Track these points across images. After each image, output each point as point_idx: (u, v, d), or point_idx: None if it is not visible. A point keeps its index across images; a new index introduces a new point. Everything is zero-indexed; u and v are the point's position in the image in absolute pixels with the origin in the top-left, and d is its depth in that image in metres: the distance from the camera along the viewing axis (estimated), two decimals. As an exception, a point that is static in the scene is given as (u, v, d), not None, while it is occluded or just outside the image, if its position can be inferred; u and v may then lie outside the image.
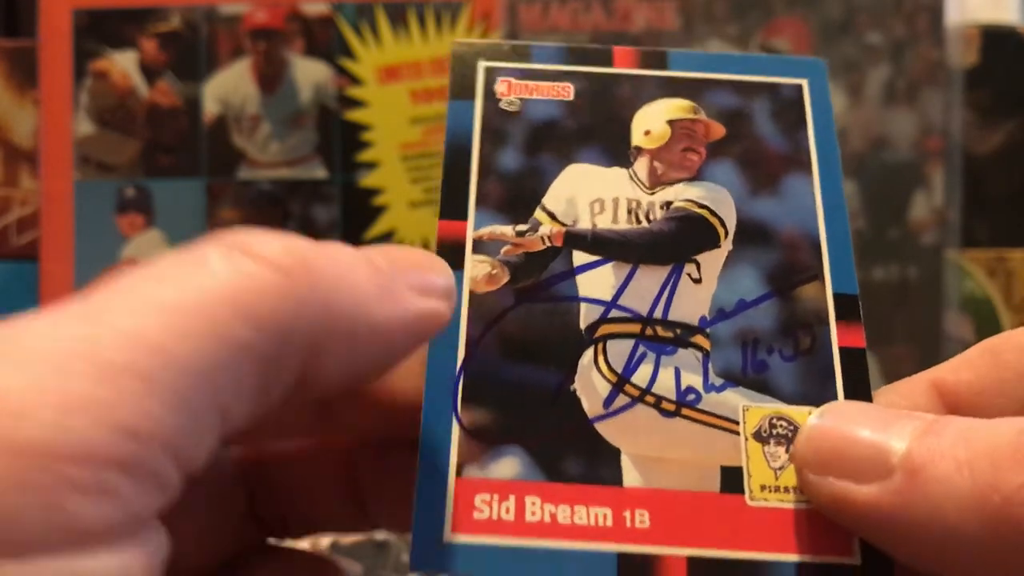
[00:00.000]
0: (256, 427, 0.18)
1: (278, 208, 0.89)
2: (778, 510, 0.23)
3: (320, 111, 0.89)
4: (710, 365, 0.24)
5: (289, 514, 0.24)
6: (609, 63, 0.28)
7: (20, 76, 0.90)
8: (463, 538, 0.21)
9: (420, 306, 0.20)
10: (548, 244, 0.26)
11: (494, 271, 0.25)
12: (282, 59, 0.90)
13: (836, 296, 0.25)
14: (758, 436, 0.24)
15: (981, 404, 0.23)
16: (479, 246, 0.26)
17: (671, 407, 0.24)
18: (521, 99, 0.28)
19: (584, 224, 0.26)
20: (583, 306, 0.25)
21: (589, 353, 0.25)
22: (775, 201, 0.26)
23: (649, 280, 0.25)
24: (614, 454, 0.23)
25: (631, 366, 0.24)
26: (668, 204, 0.26)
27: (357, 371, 0.19)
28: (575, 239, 0.26)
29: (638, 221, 0.26)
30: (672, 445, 0.24)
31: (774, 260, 0.26)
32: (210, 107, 0.89)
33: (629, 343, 0.25)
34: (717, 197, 0.26)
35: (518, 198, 0.26)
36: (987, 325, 0.91)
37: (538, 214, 0.26)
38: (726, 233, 0.26)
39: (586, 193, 0.26)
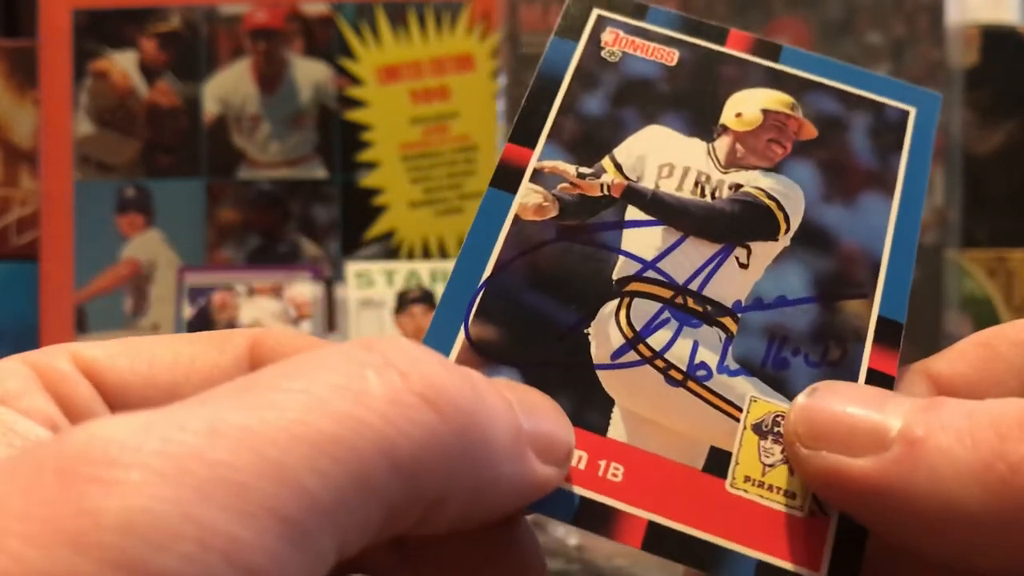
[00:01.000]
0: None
1: (278, 208, 0.89)
2: (755, 504, 0.22)
3: (320, 111, 0.89)
4: (730, 348, 0.24)
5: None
6: (722, 42, 0.28)
7: (20, 76, 0.90)
8: None
9: (540, 473, 0.19)
10: (606, 192, 0.26)
11: (545, 203, 0.25)
12: (282, 59, 0.90)
13: (880, 319, 0.25)
14: (757, 429, 0.23)
15: (975, 396, 0.23)
16: (538, 176, 0.26)
17: (678, 376, 0.24)
18: (624, 52, 0.28)
19: (647, 183, 0.26)
20: (621, 259, 0.25)
21: (612, 304, 0.24)
22: (846, 213, 0.26)
23: (695, 252, 0.25)
24: (607, 403, 0.23)
25: (650, 327, 0.24)
26: (738, 186, 0.26)
27: (460, 522, 0.19)
28: (634, 195, 0.26)
29: (703, 195, 0.26)
30: (668, 412, 0.23)
31: (827, 268, 0.25)
32: (210, 107, 0.89)
33: (655, 306, 0.24)
34: (788, 193, 0.26)
35: (590, 142, 0.26)
36: (987, 325, 0.91)
37: (605, 162, 0.26)
38: (787, 229, 0.26)
39: (659, 155, 0.26)
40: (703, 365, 0.24)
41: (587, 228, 0.25)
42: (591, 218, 0.25)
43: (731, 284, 0.25)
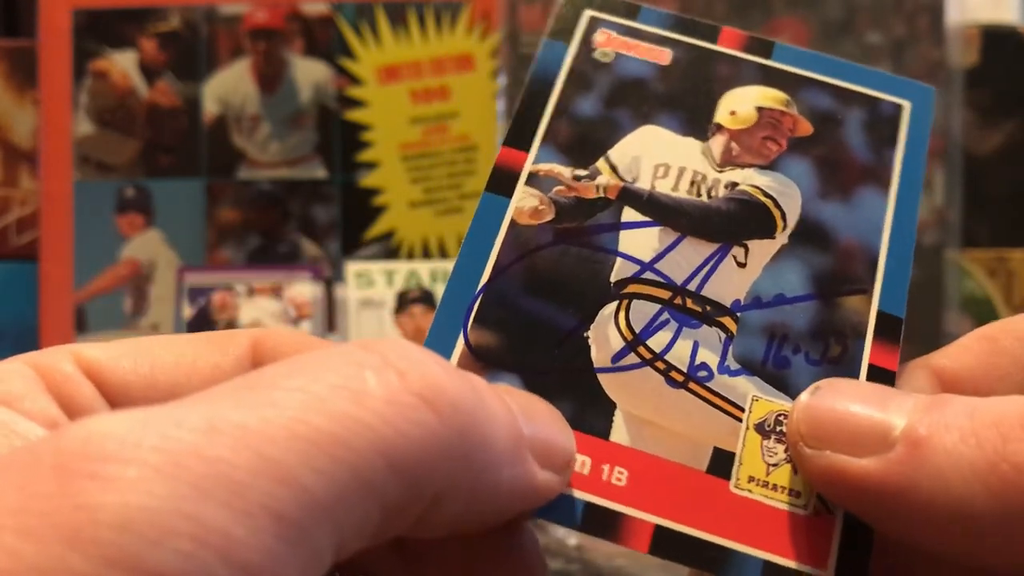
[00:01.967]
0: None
1: (278, 208, 0.89)
2: (760, 504, 0.22)
3: (320, 111, 0.89)
4: (731, 348, 0.24)
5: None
6: (714, 40, 0.28)
7: (20, 76, 0.90)
8: None
9: (540, 479, 0.19)
10: (601, 194, 0.26)
11: (541, 206, 0.25)
12: (282, 59, 0.90)
13: (880, 314, 0.25)
14: (760, 428, 0.23)
15: (980, 391, 0.22)
16: (533, 179, 0.26)
17: (679, 378, 0.24)
18: (616, 53, 0.28)
19: (643, 184, 0.26)
20: (619, 261, 0.25)
21: (611, 306, 0.24)
22: (843, 209, 0.26)
23: (692, 252, 0.25)
24: (609, 407, 0.23)
25: (650, 329, 0.24)
26: (733, 185, 0.26)
27: (459, 525, 0.19)
28: (630, 196, 0.26)
29: (699, 194, 0.26)
30: (670, 414, 0.23)
31: (826, 264, 0.25)
32: (210, 107, 0.89)
33: (654, 307, 0.24)
34: (785, 190, 0.26)
35: (585, 143, 0.26)
36: (987, 325, 0.91)
37: (600, 164, 0.26)
38: (784, 227, 0.26)
39: (654, 155, 0.26)
40: (704, 366, 0.24)
41: (584, 231, 0.25)
42: (588, 220, 0.25)
43: (729, 283, 0.25)
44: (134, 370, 0.22)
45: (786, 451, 0.23)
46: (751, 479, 0.23)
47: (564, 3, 0.28)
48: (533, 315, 0.24)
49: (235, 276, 0.85)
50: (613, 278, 0.25)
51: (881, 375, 0.24)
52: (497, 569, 0.21)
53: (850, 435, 0.20)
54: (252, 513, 0.14)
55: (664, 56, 0.28)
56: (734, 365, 0.24)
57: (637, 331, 0.24)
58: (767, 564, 0.22)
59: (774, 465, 0.23)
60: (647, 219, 0.25)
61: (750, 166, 0.26)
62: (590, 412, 0.23)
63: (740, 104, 0.27)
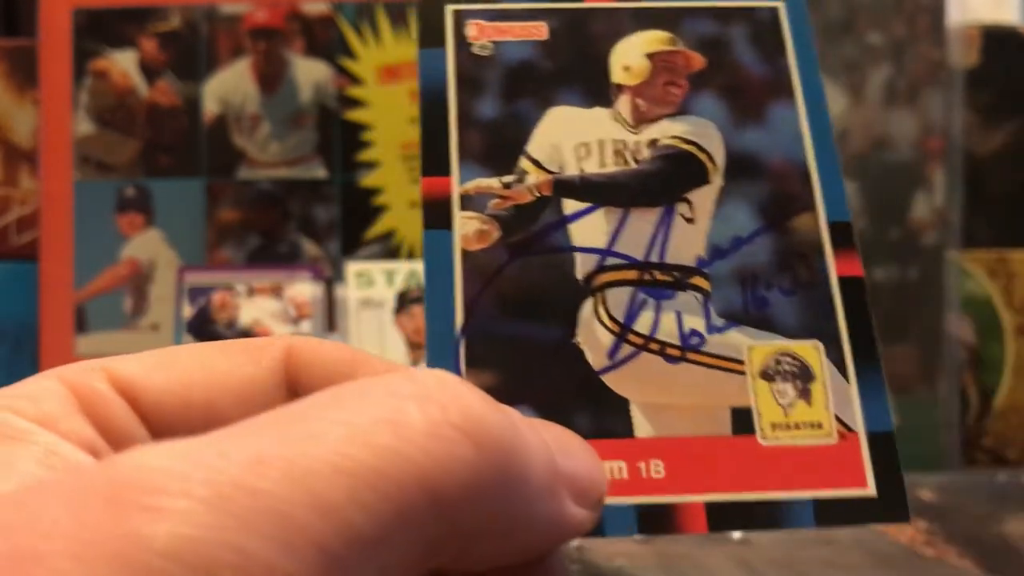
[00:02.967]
0: None
1: (278, 208, 0.89)
2: (790, 448, 0.23)
3: (320, 111, 0.89)
4: (711, 306, 0.24)
5: None
6: None
7: (20, 76, 0.90)
8: None
9: (574, 515, 0.19)
10: (536, 194, 0.25)
11: (484, 227, 0.25)
12: (282, 59, 0.89)
13: (831, 225, 0.25)
14: (764, 375, 0.23)
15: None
16: (466, 202, 0.25)
17: (676, 352, 0.24)
18: (493, 42, 0.27)
19: (571, 170, 0.26)
20: (578, 256, 0.25)
21: (589, 304, 0.24)
22: (762, 131, 0.26)
23: (642, 223, 0.25)
24: (623, 405, 0.23)
25: (632, 314, 0.24)
26: (654, 142, 0.26)
27: (493, 559, 0.19)
28: (563, 187, 0.25)
29: (625, 162, 0.26)
30: (680, 391, 0.23)
31: (765, 192, 0.25)
32: (210, 107, 0.89)
33: (628, 291, 0.24)
34: (703, 132, 0.26)
35: (501, 147, 0.26)
36: (987, 325, 0.91)
37: (523, 163, 0.26)
38: (715, 168, 0.26)
39: (570, 137, 0.26)
40: (694, 332, 0.24)
41: (534, 237, 0.25)
42: (534, 225, 0.25)
43: (686, 242, 0.25)
44: (167, 387, 0.22)
45: (794, 388, 0.23)
46: (774, 426, 0.23)
47: (420, 6, 0.27)
48: (518, 340, 0.24)
49: (235, 276, 0.85)
50: (579, 275, 0.25)
51: (851, 284, 0.25)
52: None
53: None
54: (297, 546, 0.15)
55: (541, 30, 0.27)
56: (720, 322, 0.24)
57: (621, 320, 0.24)
58: (816, 503, 0.22)
59: (789, 405, 0.23)
60: (588, 205, 0.25)
61: (662, 117, 0.26)
62: (608, 416, 0.23)
63: (630, 57, 0.27)
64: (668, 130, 0.26)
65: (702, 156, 0.26)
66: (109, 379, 0.21)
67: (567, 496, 0.19)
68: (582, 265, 0.25)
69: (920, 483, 0.81)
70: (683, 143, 0.26)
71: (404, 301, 0.81)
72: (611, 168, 0.26)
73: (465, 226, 0.25)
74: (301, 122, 0.89)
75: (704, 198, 0.25)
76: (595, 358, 0.24)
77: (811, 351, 0.24)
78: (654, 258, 0.25)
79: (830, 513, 0.22)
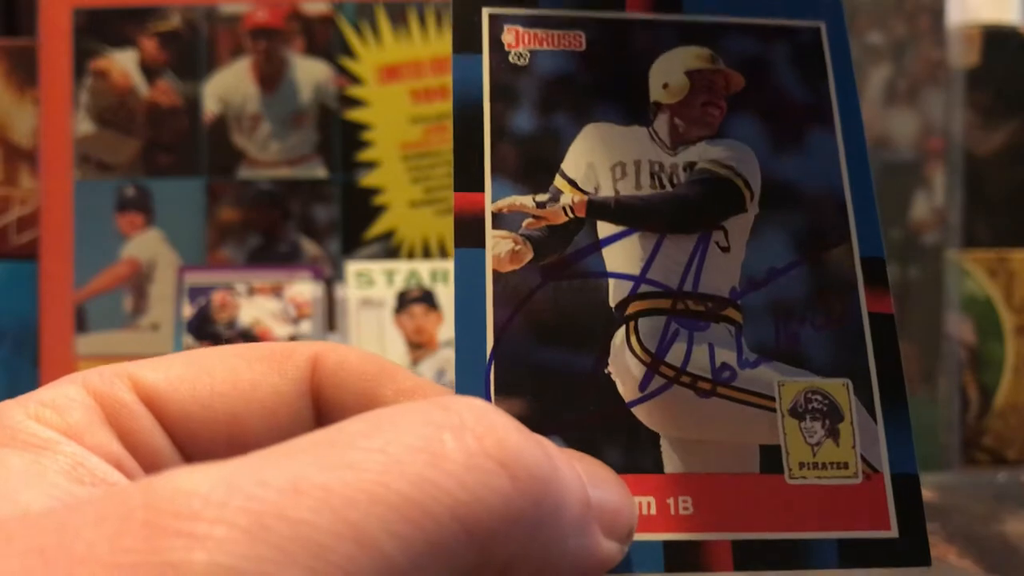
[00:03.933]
0: None
1: (278, 208, 0.89)
2: (816, 487, 0.23)
3: (320, 110, 0.89)
4: (743, 339, 0.24)
5: None
6: (622, 6, 0.27)
7: (20, 75, 0.90)
8: None
9: (604, 548, 0.19)
10: (571, 215, 0.25)
11: (517, 247, 0.24)
12: (282, 58, 0.89)
13: (864, 260, 0.25)
14: (794, 412, 0.23)
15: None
16: (498, 220, 0.24)
17: (707, 386, 0.23)
18: (530, 51, 0.26)
19: (606, 191, 0.25)
20: (611, 282, 0.24)
21: (621, 333, 0.24)
22: (799, 158, 0.25)
23: (676, 250, 0.24)
24: (653, 439, 0.23)
25: (664, 345, 0.24)
26: (691, 165, 0.25)
27: None
28: (598, 208, 0.25)
29: (662, 185, 0.25)
30: (710, 426, 0.23)
31: (801, 223, 0.25)
32: (210, 106, 0.89)
33: (661, 320, 0.24)
34: (741, 156, 0.25)
35: (535, 163, 0.25)
36: (988, 325, 0.91)
37: (558, 181, 0.25)
38: (752, 196, 0.25)
39: (607, 156, 0.25)
40: (725, 366, 0.24)
41: (568, 260, 0.24)
42: (567, 248, 0.24)
43: (721, 272, 0.24)
44: (193, 397, 0.22)
45: (823, 427, 0.23)
46: (801, 465, 0.23)
47: (455, 7, 0.26)
48: (549, 367, 0.23)
49: (235, 276, 0.85)
50: (612, 302, 0.24)
51: (881, 322, 0.24)
52: None
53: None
54: None
55: (579, 40, 0.26)
56: (751, 356, 0.24)
57: (653, 351, 0.24)
58: (841, 543, 0.22)
59: (817, 444, 0.23)
60: (622, 228, 0.25)
61: (700, 139, 0.26)
62: (638, 450, 0.23)
63: (670, 74, 0.26)
64: (705, 153, 0.25)
65: (739, 183, 0.25)
66: (134, 388, 0.21)
67: (598, 529, 0.19)
68: (615, 291, 0.24)
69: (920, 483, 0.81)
70: (721, 168, 0.25)
71: (404, 301, 0.81)
72: (647, 191, 0.25)
73: (498, 246, 0.24)
74: (301, 122, 0.89)
75: (740, 226, 0.25)
76: (626, 389, 0.23)
77: (840, 389, 0.24)
78: (688, 287, 0.24)
79: (853, 554, 0.22)
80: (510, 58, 0.26)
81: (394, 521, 0.15)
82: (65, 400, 0.21)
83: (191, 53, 0.89)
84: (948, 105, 0.89)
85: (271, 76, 0.89)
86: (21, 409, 0.20)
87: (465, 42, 0.26)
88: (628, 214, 0.25)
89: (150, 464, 0.21)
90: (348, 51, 0.89)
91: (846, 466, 0.23)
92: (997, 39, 0.91)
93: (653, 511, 0.22)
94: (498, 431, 0.17)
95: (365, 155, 0.89)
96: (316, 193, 0.89)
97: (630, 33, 0.26)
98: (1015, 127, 0.92)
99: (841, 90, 0.26)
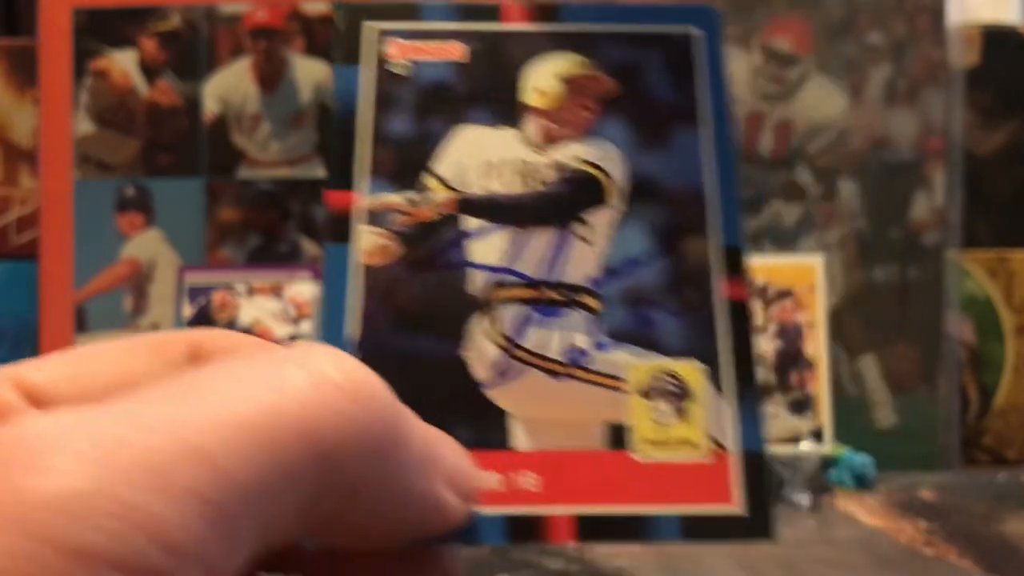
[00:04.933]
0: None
1: (278, 208, 0.89)
2: (662, 465, 0.24)
3: (320, 110, 0.89)
4: (599, 325, 0.25)
5: None
6: (499, 19, 0.28)
7: (20, 75, 0.90)
8: None
9: (449, 500, 0.20)
10: (440, 212, 0.26)
11: (386, 242, 0.25)
12: (282, 58, 0.89)
13: (723, 250, 0.26)
14: (643, 392, 0.24)
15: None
16: (371, 217, 0.26)
17: (560, 369, 0.25)
18: (412, 61, 0.27)
19: (476, 189, 0.26)
20: (475, 273, 0.25)
21: (480, 320, 0.25)
22: (664, 156, 0.27)
23: (540, 243, 0.26)
24: (504, 418, 0.24)
25: (521, 330, 0.25)
26: (559, 164, 0.27)
27: (372, 531, 0.19)
28: (466, 205, 0.26)
29: (529, 183, 0.26)
30: (560, 406, 0.24)
31: (662, 217, 0.26)
32: (210, 106, 0.89)
33: (520, 308, 0.25)
34: (607, 155, 0.27)
35: (409, 164, 0.26)
36: (987, 325, 0.91)
37: (429, 181, 0.26)
38: (616, 191, 0.26)
39: (477, 156, 0.26)
40: (579, 350, 0.25)
41: (434, 254, 0.25)
42: (435, 242, 0.26)
43: (581, 263, 0.26)
44: (77, 392, 0.22)
45: (672, 407, 0.24)
46: (648, 442, 0.24)
47: (340, 20, 0.28)
48: (411, 354, 0.24)
49: (235, 276, 0.85)
50: (474, 291, 0.25)
51: (736, 307, 0.25)
52: None
53: None
54: (176, 495, 0.15)
55: (458, 51, 0.28)
56: (606, 341, 0.25)
57: (510, 336, 0.25)
58: (683, 518, 0.23)
59: (664, 423, 0.24)
60: (489, 224, 0.26)
61: (569, 140, 0.27)
62: (487, 428, 0.24)
63: (543, 80, 0.27)
64: (573, 152, 0.27)
65: (603, 179, 0.26)
66: (17, 387, 0.22)
67: (441, 480, 0.20)
68: (477, 282, 0.25)
69: (920, 483, 0.81)
70: (586, 165, 0.26)
71: (404, 301, 0.81)
72: (515, 188, 0.26)
73: (367, 241, 0.25)
74: (301, 122, 0.89)
75: (603, 221, 0.26)
76: (482, 372, 0.24)
77: (692, 371, 0.25)
78: (548, 277, 0.25)
79: (696, 528, 0.23)
80: (391, 68, 0.27)
81: (235, 441, 0.16)
82: None
83: (191, 53, 0.89)
84: (948, 105, 0.89)
85: (271, 76, 0.89)
86: None
87: (347, 54, 0.27)
88: (495, 210, 0.26)
89: None
90: (348, 51, 0.89)
91: (694, 444, 0.24)
92: (997, 39, 0.91)
93: (498, 486, 0.23)
94: (345, 363, 0.18)
95: (365, 155, 0.89)
96: (316, 193, 0.89)
97: (507, 43, 0.28)
98: (1015, 127, 0.92)
99: (712, 92, 0.27)
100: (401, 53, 0.28)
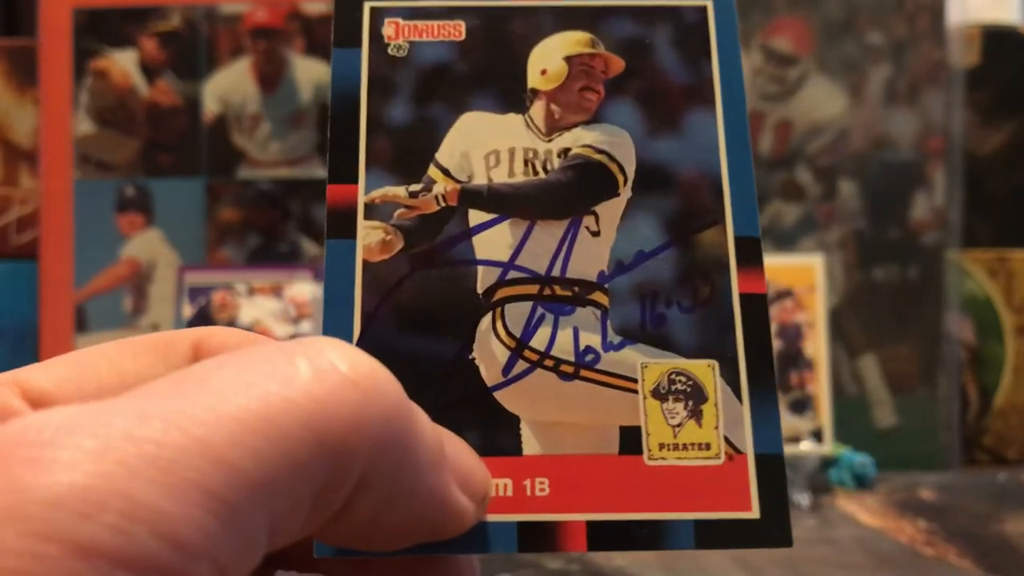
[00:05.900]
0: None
1: (278, 208, 0.89)
2: (676, 468, 0.23)
3: (320, 110, 0.89)
4: (608, 322, 0.24)
5: None
6: None
7: (20, 75, 0.90)
8: None
9: (459, 500, 0.20)
10: (443, 204, 0.25)
11: (388, 237, 0.24)
12: (282, 58, 0.89)
13: (737, 240, 0.25)
14: (656, 393, 0.23)
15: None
16: (371, 210, 0.24)
17: (570, 369, 0.24)
18: (410, 42, 0.26)
19: (479, 179, 0.25)
20: (480, 269, 0.24)
21: (487, 319, 0.24)
22: (676, 141, 0.25)
23: (547, 236, 0.24)
24: (513, 422, 0.23)
25: (529, 330, 0.24)
26: (566, 151, 0.25)
27: (373, 529, 0.19)
28: (470, 197, 0.25)
29: (535, 172, 0.25)
30: (571, 408, 0.23)
31: (674, 206, 0.25)
32: (210, 106, 0.89)
33: (527, 305, 0.24)
34: (616, 140, 0.25)
35: (410, 154, 0.25)
36: (987, 325, 0.91)
37: (432, 171, 0.25)
38: (625, 180, 0.25)
39: (481, 144, 0.25)
40: (589, 349, 0.24)
41: (437, 249, 0.24)
42: (437, 237, 0.24)
43: (590, 256, 0.24)
44: (80, 396, 0.22)
45: (685, 408, 0.23)
46: (661, 446, 0.23)
47: (337, 2, 0.26)
48: (414, 354, 0.23)
49: (235, 276, 0.85)
50: (479, 288, 0.24)
51: (752, 302, 0.24)
52: None
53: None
54: (182, 489, 0.15)
55: (458, 30, 0.26)
56: (616, 339, 0.24)
57: (518, 335, 0.24)
58: (698, 523, 0.22)
59: (678, 425, 0.23)
60: (494, 216, 0.25)
61: (575, 125, 0.25)
62: (497, 433, 0.23)
63: (547, 60, 0.26)
64: (580, 138, 0.25)
65: (612, 166, 0.25)
66: (22, 394, 0.21)
67: (452, 479, 0.20)
68: (483, 278, 0.24)
69: (920, 483, 0.81)
70: (594, 153, 0.25)
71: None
72: (520, 178, 0.25)
73: (368, 236, 0.24)
74: (301, 121, 0.89)
75: (612, 210, 0.25)
76: (489, 374, 0.23)
77: (705, 370, 0.23)
78: (556, 272, 0.24)
79: (711, 534, 0.22)
80: (389, 50, 0.26)
81: (243, 434, 0.16)
82: None
83: (191, 53, 0.89)
84: (948, 105, 0.89)
85: (271, 76, 0.89)
86: None
87: (345, 36, 0.26)
88: (500, 201, 0.25)
89: None
90: (348, 51, 0.89)
91: (708, 447, 0.23)
92: (997, 39, 0.91)
93: (509, 492, 0.22)
94: (352, 356, 0.18)
95: (365, 155, 0.89)
96: (316, 193, 0.89)
97: (510, 20, 0.26)
98: (1015, 127, 0.92)
99: (725, 71, 0.26)
100: (399, 34, 0.26)
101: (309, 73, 0.89)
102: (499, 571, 0.60)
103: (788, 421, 0.79)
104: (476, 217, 0.25)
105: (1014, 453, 0.90)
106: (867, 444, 0.82)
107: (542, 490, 0.22)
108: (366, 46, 0.26)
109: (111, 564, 0.14)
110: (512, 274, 0.24)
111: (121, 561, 0.14)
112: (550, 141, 0.25)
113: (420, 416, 0.19)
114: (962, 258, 0.90)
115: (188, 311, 0.83)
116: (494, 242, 0.24)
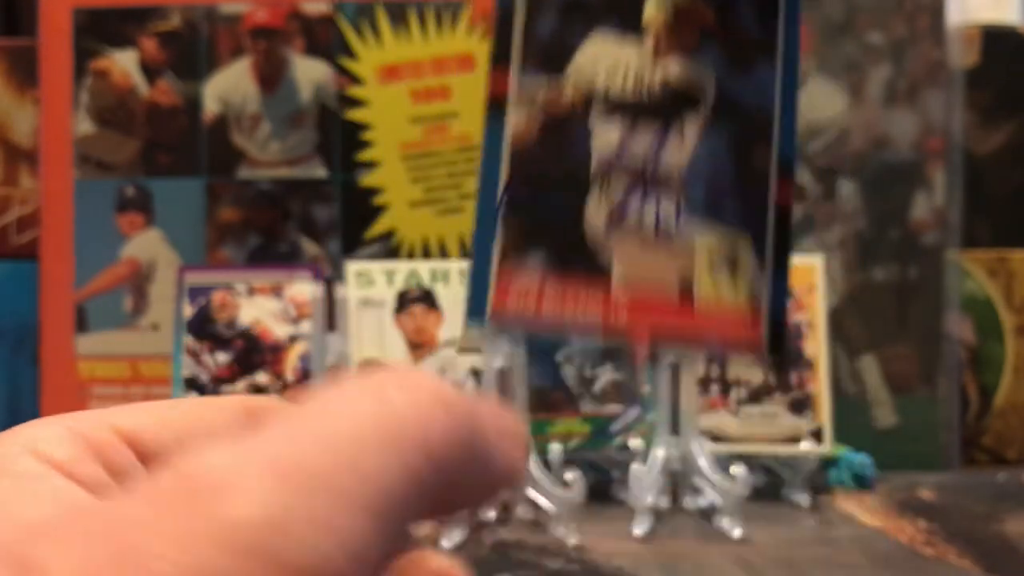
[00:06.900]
0: None
1: (278, 208, 0.89)
2: (716, 315, 0.32)
3: (320, 110, 0.89)
4: (681, 204, 0.32)
5: None
6: None
7: (20, 75, 0.90)
8: (502, 308, 0.30)
9: (516, 458, 0.24)
10: (572, 104, 0.32)
11: (529, 123, 0.32)
12: (282, 58, 0.90)
13: (779, 158, 0.33)
14: (709, 259, 0.32)
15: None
16: (518, 98, 0.32)
17: (651, 236, 0.32)
18: None
19: (601, 88, 0.33)
20: (595, 155, 0.32)
21: (596, 190, 0.32)
22: (746, 81, 0.34)
23: (646, 138, 0.33)
24: (609, 261, 0.31)
25: (625, 203, 0.32)
26: (667, 75, 0.33)
27: (465, 503, 0.23)
28: (594, 101, 0.32)
29: (643, 88, 0.33)
30: (650, 262, 0.32)
31: (738, 128, 0.33)
32: (210, 106, 0.89)
33: (626, 184, 0.32)
34: (703, 73, 0.33)
35: (551, 60, 0.33)
36: (987, 325, 0.91)
37: (567, 75, 0.32)
38: (705, 104, 0.33)
39: (604, 60, 0.33)
40: (666, 221, 0.32)
41: (566, 135, 0.32)
42: (567, 126, 0.32)
43: (675, 156, 0.33)
44: (174, 438, 0.25)
45: (728, 271, 0.32)
46: (707, 298, 0.32)
47: None
48: (544, 202, 0.32)
49: (235, 276, 0.85)
50: (594, 169, 0.32)
51: (782, 211, 0.33)
52: None
53: None
54: (349, 506, 0.18)
55: None
56: (685, 216, 0.32)
57: (616, 209, 0.32)
58: (723, 342, 0.32)
59: (720, 284, 0.32)
60: (610, 117, 0.33)
61: (676, 56, 0.33)
62: (596, 267, 0.31)
63: (660, 5, 0.34)
64: (678, 68, 0.33)
65: (699, 93, 0.33)
66: (113, 430, 0.24)
67: (511, 446, 0.23)
68: (598, 163, 0.32)
69: (920, 483, 0.81)
70: (687, 80, 0.33)
71: (404, 301, 0.81)
72: (631, 91, 0.33)
73: (515, 120, 0.32)
74: (301, 122, 0.89)
75: (694, 124, 0.33)
76: (595, 225, 0.32)
77: (745, 245, 0.32)
78: (650, 165, 0.33)
79: (731, 352, 0.29)
80: None
81: (374, 452, 0.19)
82: (55, 436, 0.23)
83: (191, 53, 0.89)
84: (948, 105, 0.89)
85: (271, 76, 0.89)
86: (10, 442, 0.23)
87: None
88: (615, 107, 0.33)
89: None
90: (348, 51, 0.89)
91: (739, 302, 0.32)
92: (997, 39, 0.92)
93: (598, 310, 0.31)
94: (429, 382, 0.21)
95: (365, 155, 0.89)
96: (316, 193, 0.89)
97: None
98: (1015, 127, 0.92)
99: (787, 30, 0.34)
100: None
101: (309, 73, 0.89)
102: (499, 571, 0.60)
103: (788, 421, 0.79)
104: (596, 117, 0.32)
105: (1014, 453, 0.90)
106: (867, 444, 0.82)
107: (621, 314, 0.31)
108: None
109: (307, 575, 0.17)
110: (618, 162, 0.32)
111: (316, 573, 0.17)
112: (656, 66, 0.33)
113: (483, 413, 0.22)
114: (962, 258, 0.90)
115: (188, 311, 0.83)
116: (608, 138, 0.32)
